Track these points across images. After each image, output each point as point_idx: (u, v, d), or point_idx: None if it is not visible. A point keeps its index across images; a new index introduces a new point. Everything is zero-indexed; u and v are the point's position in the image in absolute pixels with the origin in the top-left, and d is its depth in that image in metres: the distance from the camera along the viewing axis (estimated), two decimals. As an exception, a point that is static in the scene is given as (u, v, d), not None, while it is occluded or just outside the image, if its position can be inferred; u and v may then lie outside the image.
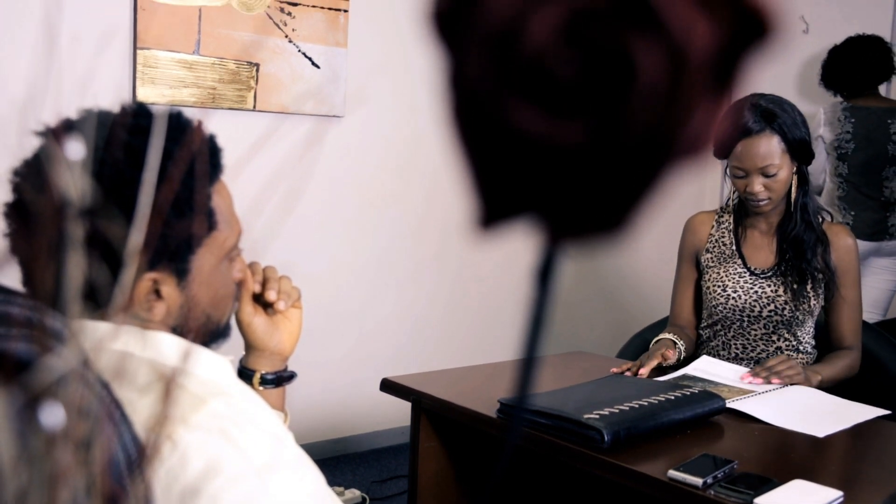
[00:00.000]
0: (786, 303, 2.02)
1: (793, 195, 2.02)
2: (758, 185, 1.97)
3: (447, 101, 0.24)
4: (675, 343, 2.05)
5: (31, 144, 0.85)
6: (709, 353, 2.14)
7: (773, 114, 1.95)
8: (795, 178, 2.01)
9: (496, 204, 0.25)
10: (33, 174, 0.87)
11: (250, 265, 1.17)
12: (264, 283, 1.18)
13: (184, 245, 0.90)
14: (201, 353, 0.92)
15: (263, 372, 1.21)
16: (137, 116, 0.87)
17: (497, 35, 0.23)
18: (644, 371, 1.90)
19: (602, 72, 0.22)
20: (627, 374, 1.92)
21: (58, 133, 0.77)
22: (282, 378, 1.23)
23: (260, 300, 1.19)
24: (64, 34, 2.59)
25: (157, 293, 0.90)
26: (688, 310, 2.21)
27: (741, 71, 0.23)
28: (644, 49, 0.22)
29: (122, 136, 0.85)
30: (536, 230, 0.26)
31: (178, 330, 0.93)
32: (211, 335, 1.00)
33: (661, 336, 2.09)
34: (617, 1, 0.22)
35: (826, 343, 2.10)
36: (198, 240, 0.92)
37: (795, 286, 2.01)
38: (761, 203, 2.00)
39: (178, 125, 0.88)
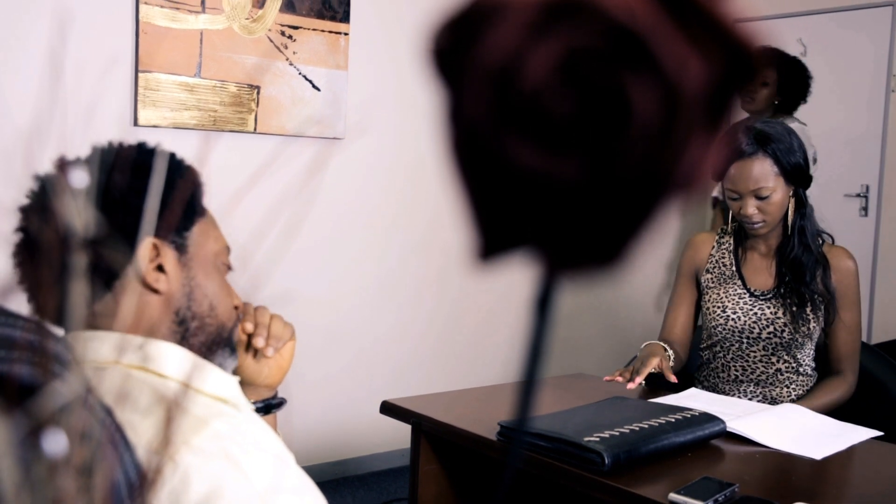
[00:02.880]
0: (785, 325, 2.01)
1: (790, 218, 2.03)
2: (751, 208, 1.98)
3: (447, 135, 0.25)
4: (665, 349, 2.02)
5: (38, 173, 0.89)
6: (708, 375, 2.14)
7: (766, 137, 1.96)
8: (793, 200, 2.02)
9: (495, 237, 0.26)
10: (38, 200, 0.90)
11: (244, 305, 1.16)
12: (256, 326, 1.17)
13: (180, 217, 0.96)
14: (209, 370, 0.92)
15: (252, 401, 1.21)
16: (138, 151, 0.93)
17: (495, 73, 0.24)
18: (638, 379, 1.87)
19: (598, 109, 0.23)
20: (619, 379, 1.90)
21: (62, 164, 0.80)
22: (270, 405, 1.22)
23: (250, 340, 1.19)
24: (67, 60, 2.61)
25: (160, 269, 0.94)
26: (679, 327, 2.18)
27: (733, 107, 0.24)
28: (639, 87, 0.23)
29: (124, 154, 0.89)
30: (535, 262, 0.26)
31: (182, 314, 0.95)
32: (216, 339, 1.00)
33: (651, 342, 2.07)
34: (612, 40, 0.23)
35: (825, 365, 2.09)
36: (191, 215, 0.97)
37: (794, 309, 2.01)
38: (756, 225, 2.01)
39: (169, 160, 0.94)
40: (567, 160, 0.23)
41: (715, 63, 0.23)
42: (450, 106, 0.25)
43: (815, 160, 3.44)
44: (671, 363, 2.03)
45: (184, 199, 0.96)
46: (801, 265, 2.01)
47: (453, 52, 0.25)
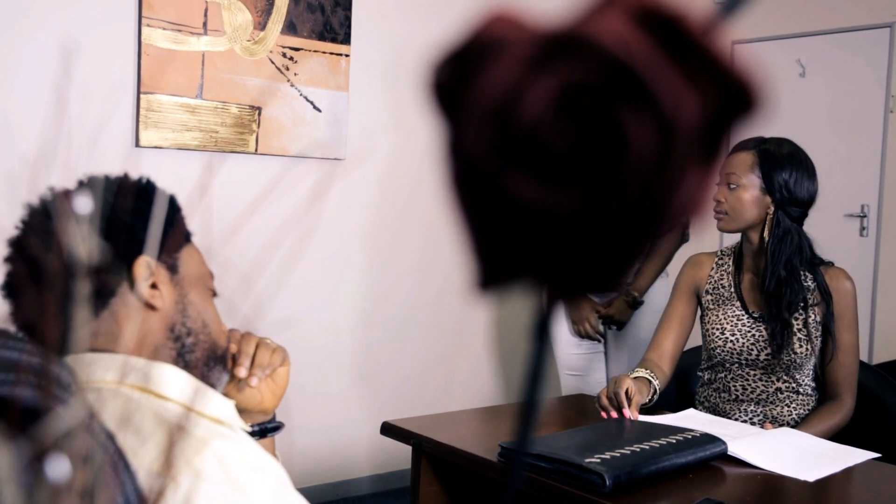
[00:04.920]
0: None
1: (765, 238, 2.01)
2: (721, 194, 2.00)
3: (446, 168, 0.25)
4: (651, 381, 1.98)
5: (30, 202, 0.92)
6: (709, 395, 2.13)
7: (766, 144, 1.98)
8: (769, 217, 1.99)
9: (494, 266, 0.26)
10: (33, 228, 0.92)
11: (229, 332, 1.15)
12: (239, 355, 1.16)
13: (170, 240, 0.99)
14: (210, 393, 0.93)
15: (248, 425, 1.20)
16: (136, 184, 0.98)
17: (494, 107, 0.24)
18: (631, 411, 1.83)
19: (595, 143, 0.24)
20: (614, 414, 1.85)
21: (65, 191, 0.83)
22: (266, 430, 1.21)
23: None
24: (72, 83, 2.62)
25: (154, 287, 0.96)
26: (668, 341, 2.13)
27: (728, 141, 0.24)
28: (635, 121, 0.23)
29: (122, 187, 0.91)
30: (534, 290, 0.27)
31: (177, 330, 0.97)
32: (211, 355, 1.01)
33: (638, 374, 2.01)
34: (608, 75, 0.23)
35: (823, 387, 2.07)
36: (181, 238, 1.01)
37: (772, 336, 1.98)
38: (717, 214, 2.02)
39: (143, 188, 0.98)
40: (565, 192, 0.24)
41: (710, 97, 0.24)
42: (450, 139, 0.25)
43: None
44: (656, 395, 1.99)
45: (174, 222, 1.00)
46: (777, 294, 1.97)
47: (453, 87, 0.25)
